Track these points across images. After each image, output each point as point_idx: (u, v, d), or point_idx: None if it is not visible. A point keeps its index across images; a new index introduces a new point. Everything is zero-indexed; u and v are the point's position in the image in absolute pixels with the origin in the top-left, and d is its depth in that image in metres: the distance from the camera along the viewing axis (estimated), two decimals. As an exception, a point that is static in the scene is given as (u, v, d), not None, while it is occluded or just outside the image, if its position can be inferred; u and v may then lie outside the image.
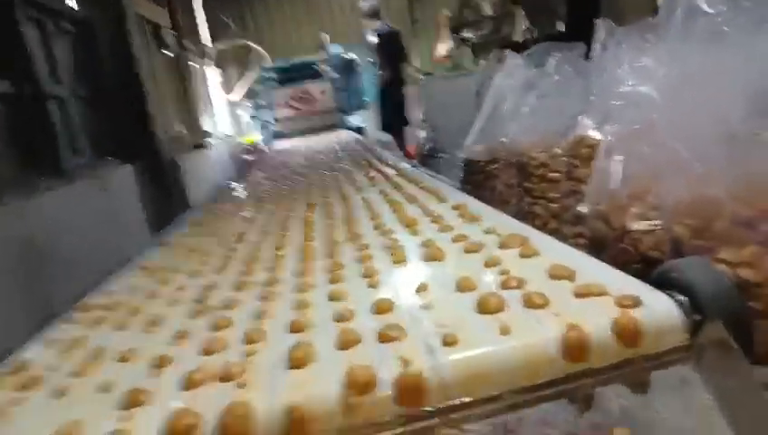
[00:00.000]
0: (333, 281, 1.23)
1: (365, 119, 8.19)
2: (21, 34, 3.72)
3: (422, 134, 4.97)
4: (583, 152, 2.41)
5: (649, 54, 2.29)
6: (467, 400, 0.78)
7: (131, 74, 5.01)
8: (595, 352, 0.83)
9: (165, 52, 6.54)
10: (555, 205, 2.64)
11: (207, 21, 8.89)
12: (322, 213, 1.98)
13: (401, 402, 0.75)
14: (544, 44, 4.06)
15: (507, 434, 0.81)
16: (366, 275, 1.21)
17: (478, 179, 3.31)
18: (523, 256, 1.13)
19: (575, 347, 0.82)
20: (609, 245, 1.85)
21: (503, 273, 1.04)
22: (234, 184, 3.40)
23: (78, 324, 1.33)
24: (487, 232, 1.34)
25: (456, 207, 1.67)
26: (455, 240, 1.30)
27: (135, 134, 4.96)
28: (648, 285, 0.95)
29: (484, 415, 0.79)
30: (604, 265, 1.05)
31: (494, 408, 0.78)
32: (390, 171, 2.92)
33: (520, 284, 0.97)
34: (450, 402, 0.79)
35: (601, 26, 3.04)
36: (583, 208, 2.10)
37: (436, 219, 1.51)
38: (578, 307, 0.90)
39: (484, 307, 0.90)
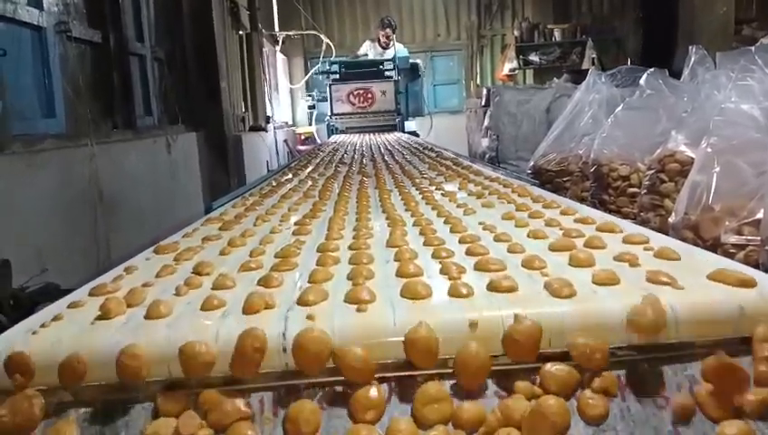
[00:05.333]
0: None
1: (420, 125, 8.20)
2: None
3: (485, 142, 4.95)
4: (671, 167, 2.36)
5: (755, 76, 2.25)
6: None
7: (208, 46, 5.11)
8: (716, 324, 0.81)
9: (240, 31, 6.65)
10: (632, 220, 2.59)
11: (279, 7, 9.02)
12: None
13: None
14: (626, 66, 4.05)
15: (620, 388, 0.79)
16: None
17: (547, 190, 3.27)
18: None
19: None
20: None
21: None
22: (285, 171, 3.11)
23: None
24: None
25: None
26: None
27: (204, 104, 5.06)
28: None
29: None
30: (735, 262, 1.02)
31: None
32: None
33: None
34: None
35: (693, 51, 3.01)
36: (671, 219, 2.06)
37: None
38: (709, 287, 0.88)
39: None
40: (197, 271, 1.05)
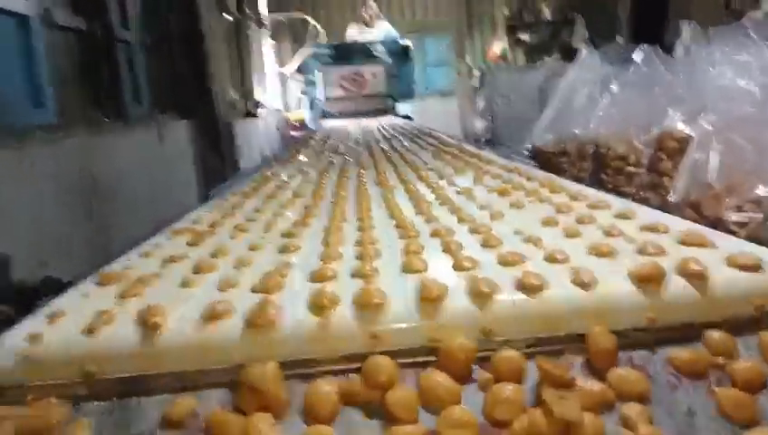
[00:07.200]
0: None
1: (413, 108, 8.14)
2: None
3: (479, 124, 4.92)
4: (669, 145, 2.35)
5: (750, 51, 2.23)
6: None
7: (195, 31, 5.02)
8: (720, 303, 0.80)
9: (226, 15, 6.56)
10: (631, 198, 2.57)
11: (266, -10, 8.91)
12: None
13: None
14: (617, 43, 4.02)
15: (634, 368, 0.77)
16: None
17: (545, 170, 3.26)
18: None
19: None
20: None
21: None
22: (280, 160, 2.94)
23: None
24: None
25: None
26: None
27: (193, 91, 4.99)
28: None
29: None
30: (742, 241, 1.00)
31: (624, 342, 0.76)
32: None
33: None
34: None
35: (687, 27, 2.98)
36: (671, 198, 2.05)
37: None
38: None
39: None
40: (143, 320, 0.77)
